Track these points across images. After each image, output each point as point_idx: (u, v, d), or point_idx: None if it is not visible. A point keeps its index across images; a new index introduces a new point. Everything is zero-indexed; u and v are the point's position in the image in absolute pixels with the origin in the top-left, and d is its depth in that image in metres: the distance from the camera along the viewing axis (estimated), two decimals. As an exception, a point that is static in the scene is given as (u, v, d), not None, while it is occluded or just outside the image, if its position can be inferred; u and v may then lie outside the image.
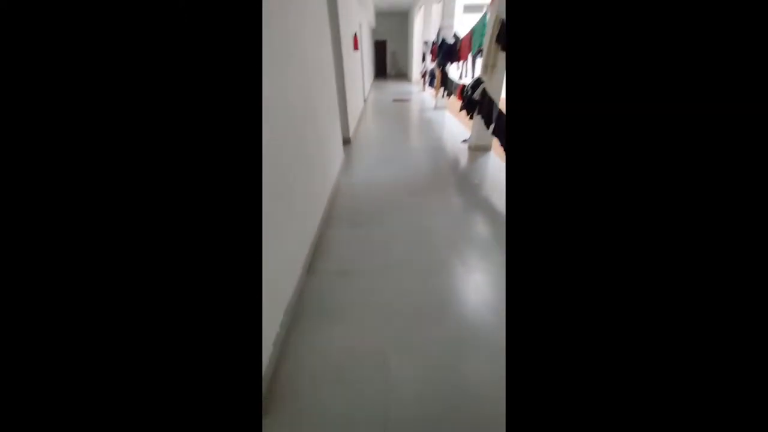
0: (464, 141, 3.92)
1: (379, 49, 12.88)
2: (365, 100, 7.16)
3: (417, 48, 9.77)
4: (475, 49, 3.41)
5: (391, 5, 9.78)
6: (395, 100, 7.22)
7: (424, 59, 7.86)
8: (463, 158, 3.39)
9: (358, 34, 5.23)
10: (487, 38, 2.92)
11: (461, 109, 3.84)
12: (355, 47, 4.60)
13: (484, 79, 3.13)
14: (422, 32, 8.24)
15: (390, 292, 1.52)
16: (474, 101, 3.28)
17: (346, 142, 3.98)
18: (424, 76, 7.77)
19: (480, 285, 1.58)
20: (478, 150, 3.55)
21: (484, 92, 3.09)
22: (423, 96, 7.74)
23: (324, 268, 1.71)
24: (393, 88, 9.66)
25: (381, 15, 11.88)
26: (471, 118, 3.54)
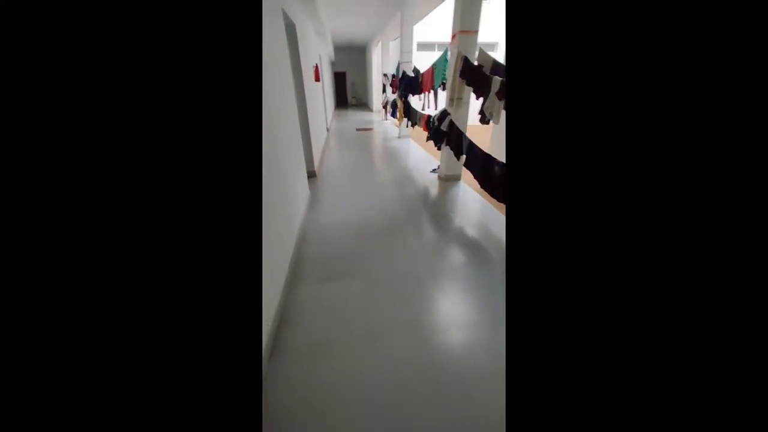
0: (433, 170, 3.88)
1: (339, 80, 13.19)
2: (328, 129, 7.04)
3: (376, 79, 10.09)
4: (438, 82, 3.46)
5: (349, 40, 10.10)
6: (359, 129, 7.20)
7: (384, 90, 8.07)
8: (434, 188, 3.31)
9: (318, 66, 5.16)
10: (451, 73, 2.96)
11: (428, 140, 3.83)
12: (317, 78, 4.49)
13: (450, 111, 3.14)
14: (381, 65, 8.53)
15: (377, 377, 1.21)
16: (442, 132, 3.26)
17: (312, 175, 3.73)
18: (385, 106, 7.93)
19: (485, 346, 1.36)
20: (448, 180, 3.51)
21: (451, 124, 3.09)
22: (385, 125, 7.86)
23: (292, 344, 1.38)
24: (355, 117, 9.74)
25: (340, 49, 12.24)
26: (439, 148, 3.52)
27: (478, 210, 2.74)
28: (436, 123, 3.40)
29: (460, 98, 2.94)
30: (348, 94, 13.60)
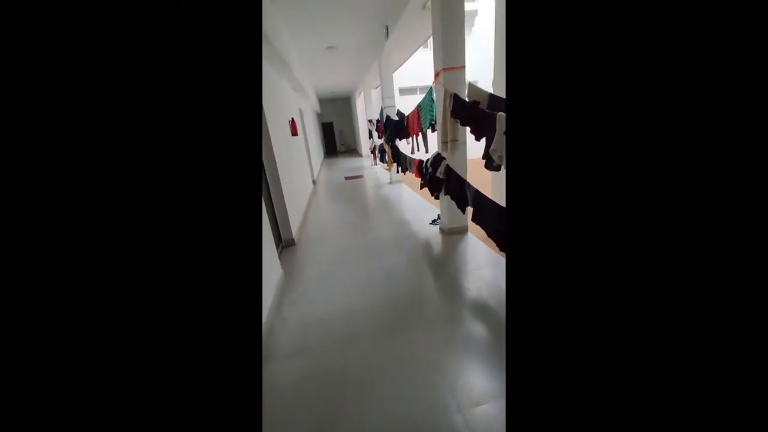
0: (434, 222, 3.31)
1: (327, 129, 13.40)
2: (315, 182, 6.65)
3: (362, 125, 10.07)
4: (426, 123, 3.05)
5: (333, 93, 10.29)
6: (348, 178, 6.82)
7: (371, 136, 7.89)
8: (438, 247, 2.71)
9: (297, 120, 4.88)
10: (440, 113, 2.53)
11: (422, 187, 3.33)
12: (294, 132, 4.14)
13: (444, 155, 2.66)
14: (365, 112, 8.49)
15: None
16: (438, 180, 2.75)
17: (289, 244, 3.14)
18: (373, 151, 7.68)
19: None
20: (452, 234, 2.92)
21: (449, 170, 2.59)
22: (375, 170, 7.51)
23: None
24: (344, 164, 9.50)
25: (325, 101, 12.55)
26: (436, 197, 3.00)
27: (499, 277, 2.11)
28: (430, 169, 2.91)
29: (455, 140, 2.47)
30: (337, 141, 13.73)
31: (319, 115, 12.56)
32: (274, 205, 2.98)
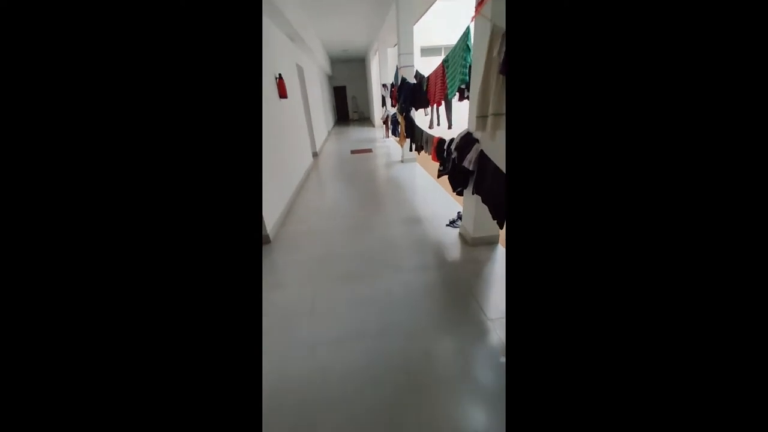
0: (452, 223, 2.51)
1: (339, 94, 12.25)
2: (317, 154, 5.83)
3: (376, 92, 8.95)
4: (454, 87, 2.14)
5: (346, 52, 9.06)
6: (354, 152, 5.95)
7: (384, 103, 6.85)
8: (457, 266, 1.93)
9: (291, 78, 3.97)
10: (480, 69, 1.63)
11: (441, 175, 2.49)
12: (282, 93, 3.28)
13: (478, 136, 1.80)
14: (379, 76, 7.36)
15: None
16: (465, 170, 1.91)
17: (264, 241, 2.43)
18: (386, 121, 6.69)
19: None
20: (477, 245, 2.13)
21: (483, 160, 1.74)
22: (387, 144, 6.57)
23: None
24: (354, 134, 8.55)
25: (338, 62, 11.29)
26: (459, 193, 2.17)
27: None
28: (454, 154, 2.06)
29: (499, 114, 1.59)
30: (349, 108, 12.61)
31: (330, 78, 11.38)
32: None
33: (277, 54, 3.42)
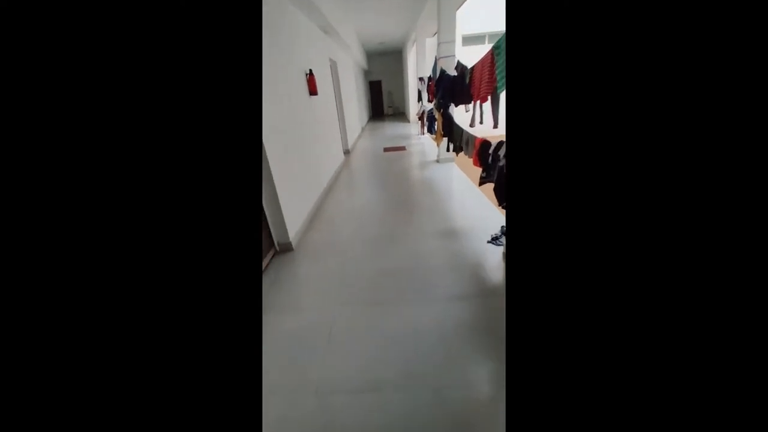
0: (494, 240, 2.16)
1: (375, 89, 12.04)
2: (349, 151, 5.66)
3: (412, 85, 8.56)
4: (504, 80, 1.77)
5: (383, 44, 8.77)
6: (387, 149, 5.69)
7: (420, 98, 6.47)
8: (503, 299, 1.60)
9: (324, 73, 3.80)
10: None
11: (483, 183, 2.14)
12: (312, 90, 3.11)
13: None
14: (416, 69, 6.98)
15: None
16: (516, 182, 1.56)
17: (285, 249, 2.29)
18: (421, 117, 6.32)
19: None
20: (528, 271, 1.76)
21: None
22: (422, 141, 6.21)
23: None
24: (389, 130, 8.28)
25: (374, 55, 11.05)
26: (505, 207, 1.81)
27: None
28: (501, 161, 1.70)
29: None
30: (384, 103, 12.36)
31: (366, 73, 11.19)
32: (263, 201, 2.09)
33: (309, 49, 3.25)
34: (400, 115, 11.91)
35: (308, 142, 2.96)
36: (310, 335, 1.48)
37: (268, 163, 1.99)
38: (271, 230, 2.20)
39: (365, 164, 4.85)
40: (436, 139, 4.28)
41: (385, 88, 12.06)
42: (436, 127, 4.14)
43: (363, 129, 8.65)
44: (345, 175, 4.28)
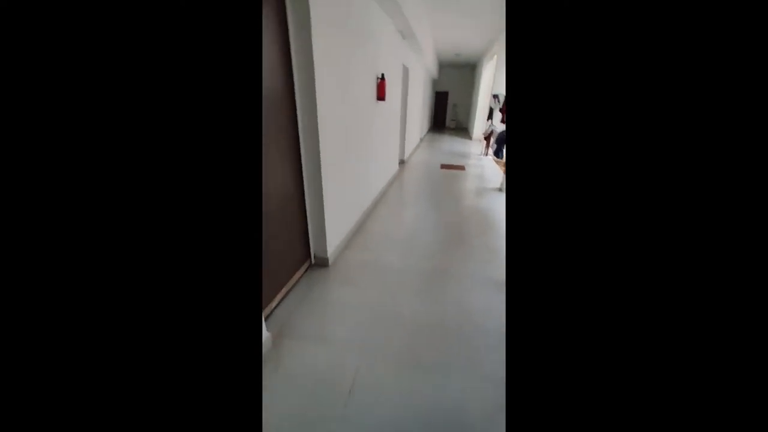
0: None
1: (440, 100, 11.76)
2: (404, 162, 5.43)
3: (482, 101, 8.08)
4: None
5: (459, 56, 8.44)
6: (444, 166, 5.33)
7: (490, 116, 6.00)
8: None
9: (395, 79, 3.61)
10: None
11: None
12: (380, 96, 2.92)
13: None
14: (492, 85, 6.51)
15: None
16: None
17: (320, 264, 2.09)
18: (488, 138, 5.85)
19: None
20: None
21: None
22: (483, 163, 5.73)
23: None
24: (448, 145, 7.90)
25: (446, 66, 10.77)
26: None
27: None
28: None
29: None
30: (447, 116, 11.99)
31: (434, 82, 10.94)
32: (307, 204, 1.92)
33: (386, 52, 3.07)
34: (462, 130, 11.43)
35: (366, 149, 2.77)
36: (328, 380, 1.23)
37: (320, 169, 1.81)
38: (310, 240, 2.02)
39: (419, 179, 4.56)
40: (502, 166, 3.83)
41: (450, 100, 11.70)
42: (504, 152, 3.70)
43: (422, 139, 8.39)
44: (396, 188, 4.04)
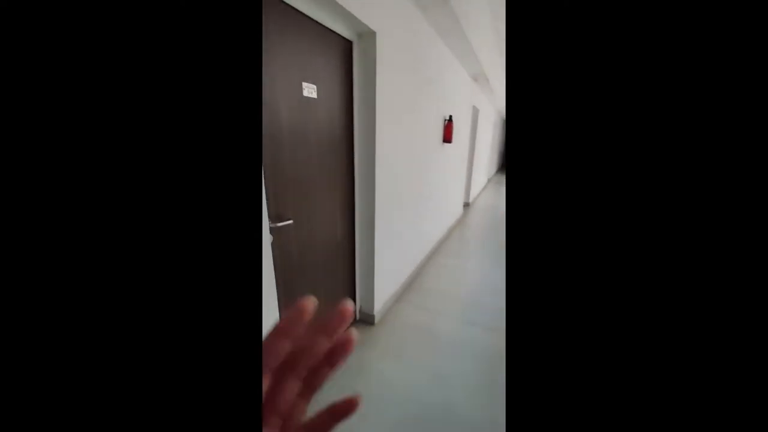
0: None
1: (510, 140, 11.20)
2: (469, 204, 5.06)
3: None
4: None
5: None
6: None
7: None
8: None
9: (463, 120, 3.43)
10: None
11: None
12: (447, 137, 2.74)
13: None
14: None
15: None
16: None
17: (366, 321, 1.84)
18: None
19: None
20: None
21: None
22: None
23: None
24: (518, 187, 7.23)
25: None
26: None
27: None
28: None
29: None
30: (518, 156, 11.28)
31: (505, 121, 10.55)
32: (357, 252, 1.74)
33: (455, 94, 2.95)
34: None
35: (427, 194, 2.55)
36: None
37: (373, 215, 1.63)
38: (357, 293, 1.81)
39: (483, 225, 4.12)
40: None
41: (522, 140, 11.07)
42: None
43: (489, 180, 7.91)
44: (457, 234, 3.67)
